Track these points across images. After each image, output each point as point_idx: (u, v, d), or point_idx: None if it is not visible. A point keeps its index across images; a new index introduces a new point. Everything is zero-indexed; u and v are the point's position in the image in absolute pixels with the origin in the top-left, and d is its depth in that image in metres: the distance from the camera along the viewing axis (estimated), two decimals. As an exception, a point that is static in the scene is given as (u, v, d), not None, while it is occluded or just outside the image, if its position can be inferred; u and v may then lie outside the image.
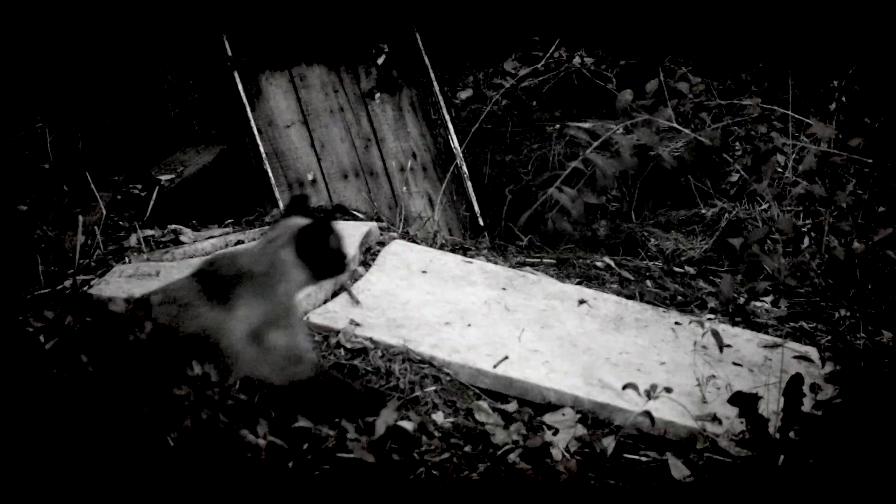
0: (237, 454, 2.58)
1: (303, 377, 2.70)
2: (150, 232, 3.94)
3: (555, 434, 2.78)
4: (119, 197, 4.14)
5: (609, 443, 2.75)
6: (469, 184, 4.69)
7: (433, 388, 2.98)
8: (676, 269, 4.10)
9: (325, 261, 2.79)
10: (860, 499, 2.53)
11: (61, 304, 3.39)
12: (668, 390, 2.84)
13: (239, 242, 3.92)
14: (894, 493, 2.53)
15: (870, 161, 3.89)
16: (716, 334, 3.14)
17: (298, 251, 2.73)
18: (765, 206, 4.26)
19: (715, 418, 2.83)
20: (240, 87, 4.34)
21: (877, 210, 3.91)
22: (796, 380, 2.76)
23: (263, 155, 4.35)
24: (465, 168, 4.69)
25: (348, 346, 3.12)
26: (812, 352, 3.29)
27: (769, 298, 3.80)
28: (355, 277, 3.62)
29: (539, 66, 5.02)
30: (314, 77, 4.49)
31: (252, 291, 2.65)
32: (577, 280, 3.87)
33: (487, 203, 4.80)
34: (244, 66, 4.36)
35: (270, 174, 4.36)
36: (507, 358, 3.09)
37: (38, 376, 2.72)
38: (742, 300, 3.75)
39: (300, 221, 2.75)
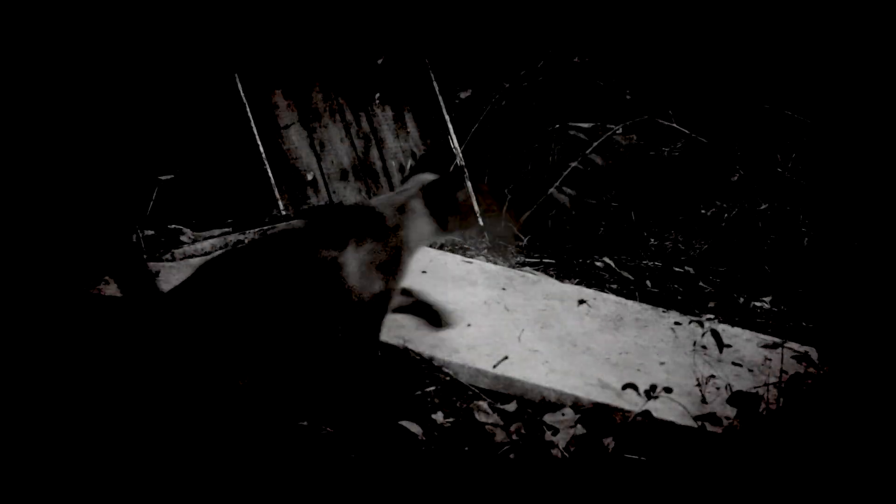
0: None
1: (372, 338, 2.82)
2: (149, 232, 3.94)
3: (555, 434, 2.78)
4: (119, 197, 4.14)
5: (609, 443, 2.75)
6: (469, 184, 4.69)
7: (433, 387, 2.98)
8: (676, 269, 4.10)
9: (452, 214, 2.85)
10: (856, 497, 2.54)
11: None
12: (668, 390, 2.84)
13: (239, 243, 3.92)
14: (891, 493, 2.53)
15: None
16: (716, 334, 3.14)
17: (427, 203, 2.80)
18: (765, 206, 4.26)
19: (715, 418, 2.83)
20: (240, 87, 4.34)
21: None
22: (796, 380, 2.77)
23: (263, 155, 4.35)
24: (464, 168, 4.68)
25: (348, 346, 3.12)
26: (812, 351, 3.29)
27: (769, 298, 3.80)
28: (355, 277, 3.62)
29: (539, 65, 5.01)
30: (314, 78, 4.49)
31: (377, 235, 2.74)
32: (577, 280, 3.87)
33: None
34: (245, 68, 4.36)
35: (270, 174, 4.35)
36: (506, 358, 3.09)
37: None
38: (742, 300, 3.75)
39: (429, 176, 2.87)
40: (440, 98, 4.68)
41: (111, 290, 3.43)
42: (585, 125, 4.66)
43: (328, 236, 2.70)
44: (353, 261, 2.70)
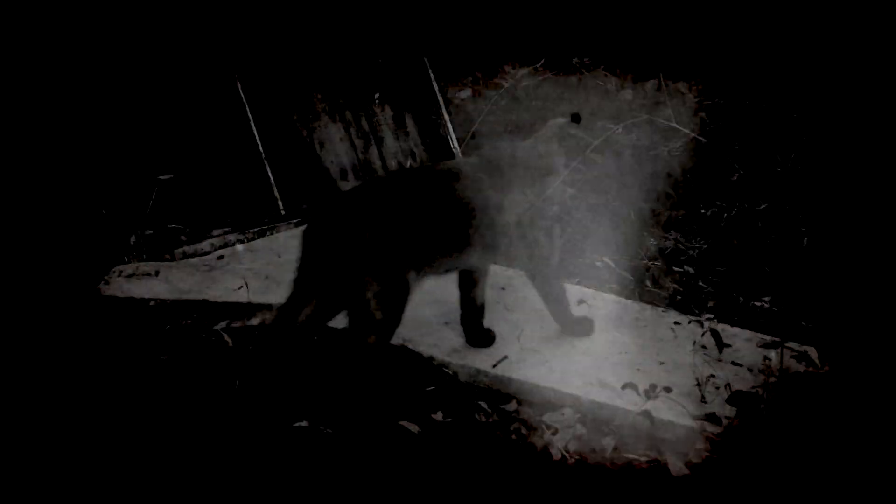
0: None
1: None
2: (149, 231, 3.94)
3: (554, 434, 2.77)
4: (119, 197, 4.14)
5: (608, 442, 2.75)
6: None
7: (432, 387, 2.98)
8: (676, 269, 4.10)
9: None
10: (855, 496, 2.54)
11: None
12: (668, 390, 2.84)
13: (238, 242, 3.93)
14: (891, 492, 2.53)
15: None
16: (715, 334, 3.14)
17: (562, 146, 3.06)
18: (764, 206, 4.26)
19: (714, 418, 2.83)
20: (239, 87, 4.34)
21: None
22: (795, 379, 2.77)
23: (262, 154, 4.35)
24: (464, 168, 4.69)
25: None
26: (811, 351, 3.29)
27: (769, 298, 3.80)
28: (354, 277, 3.62)
29: (538, 65, 5.02)
30: (314, 78, 4.49)
31: (522, 180, 3.01)
32: (577, 280, 3.87)
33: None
34: (244, 68, 4.37)
35: (270, 174, 4.35)
36: (506, 357, 3.09)
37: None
38: (741, 300, 3.74)
39: (561, 120, 3.13)
40: (440, 98, 4.68)
41: (110, 290, 3.44)
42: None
43: (497, 182, 2.98)
44: (513, 209, 3.01)
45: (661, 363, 3.16)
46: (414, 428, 2.70)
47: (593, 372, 3.06)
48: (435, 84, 4.68)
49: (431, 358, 3.08)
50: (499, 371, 3.03)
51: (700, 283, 3.98)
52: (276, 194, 4.35)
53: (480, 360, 3.06)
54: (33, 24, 4.15)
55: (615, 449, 2.75)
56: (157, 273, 3.56)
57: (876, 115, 4.36)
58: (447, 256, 2.92)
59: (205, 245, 3.86)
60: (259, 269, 3.58)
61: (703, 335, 3.20)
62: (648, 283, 3.94)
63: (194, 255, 3.80)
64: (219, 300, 3.33)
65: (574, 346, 3.22)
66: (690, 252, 4.29)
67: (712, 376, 3.00)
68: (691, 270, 4.12)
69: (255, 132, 4.35)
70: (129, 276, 3.54)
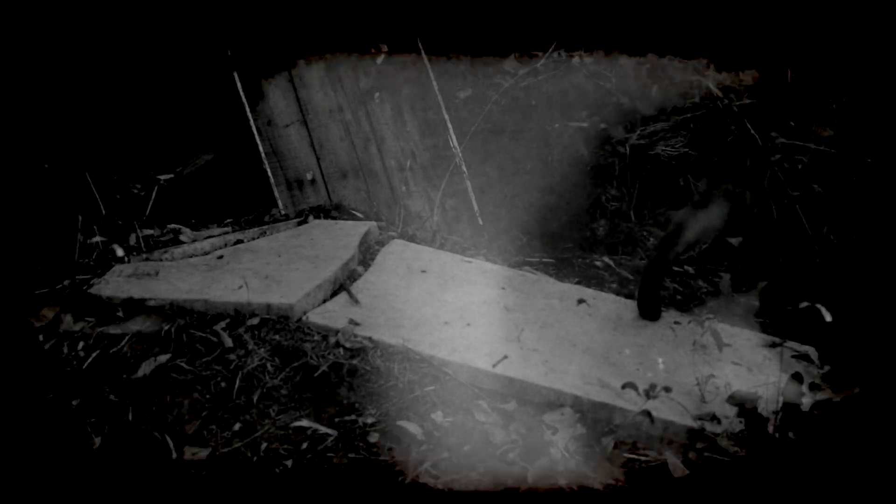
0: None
1: None
2: (149, 231, 3.94)
3: (554, 433, 2.78)
4: (118, 196, 4.14)
5: (608, 442, 2.76)
6: (468, 183, 4.70)
7: (432, 387, 2.98)
8: (676, 269, 4.10)
9: None
10: (858, 497, 2.54)
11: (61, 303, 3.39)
12: (668, 389, 2.84)
13: (238, 242, 3.93)
14: (892, 492, 2.53)
15: (868, 160, 3.90)
16: (715, 333, 3.14)
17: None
18: (762, 206, 4.26)
19: (714, 417, 2.83)
20: (239, 87, 4.34)
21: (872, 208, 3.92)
22: (795, 379, 2.77)
23: (263, 155, 4.35)
24: (464, 167, 4.69)
25: (347, 345, 3.12)
26: (811, 351, 3.29)
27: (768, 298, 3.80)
28: (354, 277, 3.63)
29: (538, 65, 5.02)
30: (313, 77, 4.49)
31: None
32: (577, 279, 3.87)
33: (486, 202, 4.80)
34: (244, 67, 4.37)
35: (270, 174, 4.35)
36: (506, 357, 3.09)
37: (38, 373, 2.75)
38: (741, 299, 3.75)
39: None
40: (440, 97, 4.68)
41: (110, 289, 3.43)
42: (585, 124, 4.67)
43: None
44: None
45: (661, 363, 3.17)
46: (414, 428, 2.71)
47: (593, 371, 3.06)
48: (435, 83, 4.68)
49: (432, 357, 3.08)
50: (499, 370, 3.03)
51: (700, 283, 3.98)
52: (276, 194, 4.35)
53: (481, 360, 3.06)
54: (36, 22, 4.15)
55: (615, 449, 2.75)
56: (157, 273, 3.56)
57: (877, 112, 4.36)
58: None
59: (205, 245, 3.86)
60: (259, 269, 3.58)
61: (702, 335, 3.20)
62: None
63: (194, 254, 3.80)
64: (219, 300, 3.33)
65: (574, 346, 3.22)
66: (690, 251, 4.29)
67: (712, 376, 3.00)
68: (691, 270, 4.12)
69: (255, 131, 4.35)
70: (129, 276, 3.54)
